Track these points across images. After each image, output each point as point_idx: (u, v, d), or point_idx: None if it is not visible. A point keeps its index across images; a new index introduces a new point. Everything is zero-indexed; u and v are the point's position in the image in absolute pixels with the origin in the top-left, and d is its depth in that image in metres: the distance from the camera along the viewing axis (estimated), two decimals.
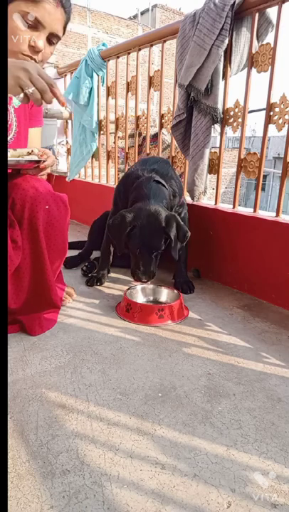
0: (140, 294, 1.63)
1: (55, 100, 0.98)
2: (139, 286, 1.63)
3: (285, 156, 1.53)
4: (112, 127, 2.66)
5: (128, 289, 1.59)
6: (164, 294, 1.63)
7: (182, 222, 1.53)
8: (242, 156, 1.75)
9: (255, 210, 1.73)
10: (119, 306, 1.55)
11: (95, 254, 2.11)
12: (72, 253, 2.10)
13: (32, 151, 1.24)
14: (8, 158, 1.18)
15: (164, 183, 1.60)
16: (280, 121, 1.55)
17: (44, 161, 1.25)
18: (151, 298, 1.64)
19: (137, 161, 2.44)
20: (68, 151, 3.30)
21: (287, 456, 0.83)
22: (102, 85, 2.63)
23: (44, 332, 1.33)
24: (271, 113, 1.58)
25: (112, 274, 1.96)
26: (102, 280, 1.83)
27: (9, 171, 1.30)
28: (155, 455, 0.82)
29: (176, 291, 1.60)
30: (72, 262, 2.04)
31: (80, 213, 3.02)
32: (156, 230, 1.48)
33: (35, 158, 1.22)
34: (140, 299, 1.61)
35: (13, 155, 1.21)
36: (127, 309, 1.47)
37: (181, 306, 1.51)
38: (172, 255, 1.51)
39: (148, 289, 1.65)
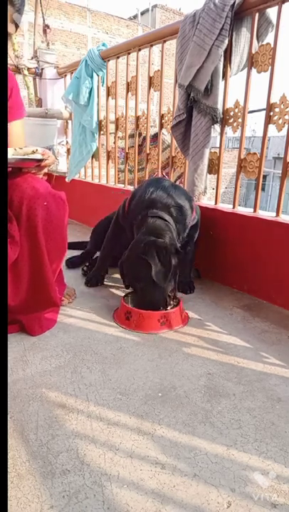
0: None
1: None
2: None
3: (285, 156, 1.53)
4: (112, 127, 2.66)
5: (125, 295, 1.56)
6: None
7: (166, 246, 1.44)
8: (242, 156, 1.75)
9: (255, 210, 1.73)
10: (117, 313, 1.50)
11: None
12: (75, 253, 2.10)
13: (36, 149, 1.25)
14: (14, 156, 1.19)
15: (162, 216, 1.51)
16: (280, 121, 1.55)
17: (45, 160, 1.27)
18: None
19: (136, 165, 2.45)
20: (68, 151, 3.30)
21: (287, 456, 0.83)
22: (102, 85, 2.63)
23: (44, 332, 1.33)
24: (271, 113, 1.58)
25: (112, 275, 1.96)
26: (102, 280, 1.84)
27: (10, 168, 1.30)
28: (155, 455, 0.82)
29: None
30: (75, 262, 2.05)
31: (80, 213, 3.02)
32: (136, 261, 1.43)
33: (39, 156, 1.23)
34: None
35: (18, 153, 1.22)
36: (126, 317, 1.42)
37: (181, 312, 1.47)
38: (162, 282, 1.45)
39: None
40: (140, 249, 1.43)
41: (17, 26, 1.23)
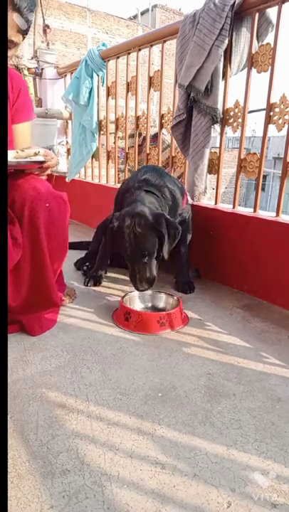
0: (138, 300, 1.58)
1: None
2: (136, 292, 1.57)
3: (285, 156, 1.53)
4: (112, 127, 2.66)
5: (125, 296, 1.54)
6: (163, 300, 1.58)
7: (172, 220, 1.48)
8: (242, 156, 1.75)
9: (255, 210, 1.73)
10: (116, 314, 1.49)
11: None
12: (81, 254, 2.09)
13: (38, 151, 1.25)
14: (17, 159, 1.19)
15: (155, 192, 1.57)
16: (280, 121, 1.55)
17: (48, 161, 1.26)
18: (150, 304, 1.58)
19: (136, 165, 2.45)
20: (68, 151, 3.30)
21: (287, 456, 0.83)
22: (102, 85, 2.63)
23: (44, 332, 1.33)
24: (271, 113, 1.58)
25: (112, 274, 1.96)
26: (101, 280, 1.83)
27: (11, 170, 1.30)
28: (155, 455, 0.82)
29: (175, 297, 1.54)
30: (81, 262, 2.04)
31: (80, 213, 3.02)
32: (143, 230, 1.41)
33: (41, 158, 1.23)
34: (138, 305, 1.56)
35: (20, 155, 1.22)
36: (125, 318, 1.41)
37: (181, 313, 1.46)
38: (163, 256, 1.46)
39: (146, 295, 1.59)
40: (146, 218, 1.42)
41: (24, 36, 1.23)
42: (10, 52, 1.22)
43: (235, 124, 1.75)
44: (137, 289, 1.46)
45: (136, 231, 1.42)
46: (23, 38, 1.23)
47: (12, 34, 1.16)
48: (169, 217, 1.49)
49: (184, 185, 2.00)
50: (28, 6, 1.16)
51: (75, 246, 2.24)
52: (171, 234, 1.45)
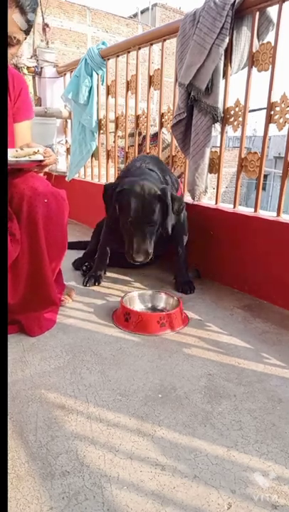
0: (138, 300, 1.57)
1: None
2: (136, 293, 1.57)
3: (286, 155, 1.52)
4: (111, 126, 2.65)
5: (124, 296, 1.53)
6: (163, 301, 1.57)
7: (176, 194, 1.51)
8: (243, 156, 1.74)
9: (255, 210, 1.73)
10: (116, 315, 1.48)
11: None
12: (79, 254, 2.09)
13: (38, 150, 1.25)
14: (16, 158, 1.20)
15: (155, 170, 1.62)
16: (281, 120, 1.54)
17: (46, 159, 1.27)
18: (150, 305, 1.58)
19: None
20: (68, 150, 3.30)
21: (288, 457, 0.82)
22: (102, 84, 2.63)
23: (43, 332, 1.33)
24: (272, 112, 1.57)
25: (111, 274, 1.95)
26: (100, 280, 1.83)
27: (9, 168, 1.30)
28: (155, 456, 0.82)
29: (175, 297, 1.53)
30: (79, 262, 2.03)
31: (80, 213, 3.01)
32: (150, 198, 1.41)
33: (40, 157, 1.24)
34: (138, 305, 1.55)
35: (20, 154, 1.22)
36: (125, 318, 1.40)
37: (181, 313, 1.46)
38: (166, 229, 1.47)
39: (146, 295, 1.59)
40: (153, 189, 1.44)
41: (27, 34, 1.22)
42: (13, 50, 1.22)
43: (235, 123, 1.74)
44: (133, 260, 1.44)
45: (144, 198, 1.42)
46: (25, 37, 1.23)
47: (15, 31, 1.16)
48: (178, 196, 1.53)
49: (185, 184, 1.99)
50: (30, 5, 1.16)
51: (73, 246, 2.23)
52: (174, 206, 1.48)
